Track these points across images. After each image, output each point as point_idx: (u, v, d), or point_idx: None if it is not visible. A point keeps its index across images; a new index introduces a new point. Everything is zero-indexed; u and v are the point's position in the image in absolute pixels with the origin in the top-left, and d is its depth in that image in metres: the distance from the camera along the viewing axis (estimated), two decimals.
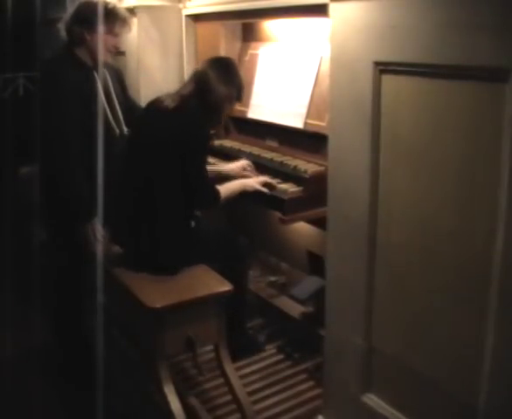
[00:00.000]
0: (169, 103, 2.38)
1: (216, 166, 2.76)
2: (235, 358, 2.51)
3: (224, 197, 2.46)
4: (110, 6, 2.56)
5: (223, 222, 3.37)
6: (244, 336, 2.70)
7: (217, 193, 2.44)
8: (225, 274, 2.35)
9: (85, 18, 2.52)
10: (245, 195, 2.60)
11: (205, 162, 2.48)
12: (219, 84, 2.40)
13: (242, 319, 2.69)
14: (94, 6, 2.50)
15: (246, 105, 3.04)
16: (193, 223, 2.46)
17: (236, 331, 2.57)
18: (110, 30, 2.56)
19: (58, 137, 2.45)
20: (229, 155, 2.91)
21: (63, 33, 2.62)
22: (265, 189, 2.51)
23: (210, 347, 2.46)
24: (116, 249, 2.52)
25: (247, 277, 2.70)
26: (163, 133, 2.34)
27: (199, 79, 2.42)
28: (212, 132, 2.76)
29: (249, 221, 3.22)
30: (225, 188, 2.49)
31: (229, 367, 2.30)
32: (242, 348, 2.65)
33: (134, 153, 2.45)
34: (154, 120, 2.42)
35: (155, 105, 2.46)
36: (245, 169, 2.68)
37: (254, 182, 2.55)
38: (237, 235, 2.65)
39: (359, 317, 1.92)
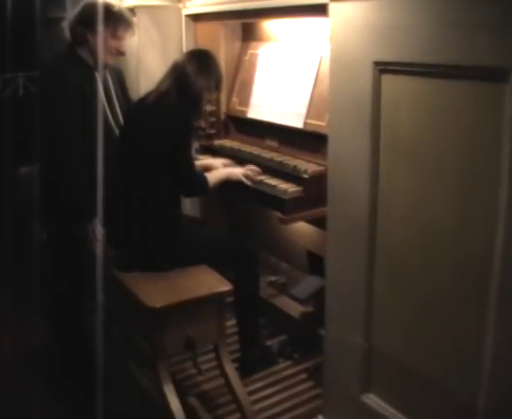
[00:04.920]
0: (150, 100, 2.43)
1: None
2: (252, 371, 2.55)
3: (211, 184, 2.52)
4: (115, 9, 2.56)
5: (223, 223, 3.38)
6: (259, 348, 2.65)
7: (205, 180, 2.50)
8: (240, 284, 2.43)
9: (88, 19, 2.52)
10: (245, 195, 2.63)
11: (191, 151, 2.53)
12: (198, 77, 2.44)
13: (257, 332, 2.66)
14: (99, 7, 2.50)
15: (246, 105, 3.04)
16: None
17: (252, 344, 2.58)
18: (113, 34, 2.56)
19: (59, 136, 2.45)
20: (229, 155, 2.91)
21: (67, 33, 2.62)
22: (247, 182, 2.57)
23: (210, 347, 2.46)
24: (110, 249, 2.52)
25: (259, 287, 2.69)
26: (147, 130, 2.38)
27: (178, 74, 2.45)
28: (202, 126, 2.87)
29: (249, 221, 3.22)
30: (212, 176, 2.55)
31: (229, 367, 2.30)
32: (258, 361, 2.61)
33: (123, 153, 2.47)
34: (137, 119, 2.45)
35: (138, 103, 2.54)
36: (225, 165, 2.75)
37: (239, 172, 2.61)
38: (249, 244, 2.68)
39: (359, 317, 1.92)
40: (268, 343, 2.75)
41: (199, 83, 2.44)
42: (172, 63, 2.51)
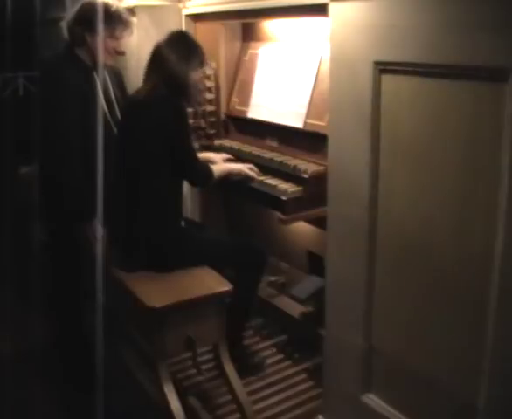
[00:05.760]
0: (141, 96, 2.43)
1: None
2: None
3: (216, 176, 2.53)
4: (113, 9, 2.55)
5: (223, 224, 3.37)
6: (242, 353, 2.59)
7: (211, 170, 2.52)
8: (241, 283, 2.42)
9: (86, 19, 2.51)
10: (245, 194, 2.65)
11: (191, 140, 2.52)
12: (181, 63, 2.41)
13: (241, 334, 2.64)
14: (97, 8, 2.49)
15: (246, 105, 3.04)
16: (183, 223, 2.50)
17: (233, 345, 2.48)
18: (111, 34, 2.56)
19: (58, 137, 2.45)
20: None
21: (65, 32, 2.62)
22: (251, 173, 2.60)
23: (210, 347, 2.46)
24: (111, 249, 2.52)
25: (257, 293, 2.68)
26: (144, 128, 2.36)
27: (160, 66, 2.42)
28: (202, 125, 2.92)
29: (249, 221, 3.22)
30: (216, 168, 2.57)
31: (229, 367, 2.30)
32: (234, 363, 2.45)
33: (122, 153, 2.46)
34: (133, 118, 2.44)
35: (130, 101, 2.55)
36: (225, 160, 2.78)
37: (241, 166, 2.63)
38: (259, 244, 2.67)
39: (359, 317, 1.92)
40: (254, 353, 2.72)
41: (184, 69, 2.41)
42: (152, 53, 2.47)
